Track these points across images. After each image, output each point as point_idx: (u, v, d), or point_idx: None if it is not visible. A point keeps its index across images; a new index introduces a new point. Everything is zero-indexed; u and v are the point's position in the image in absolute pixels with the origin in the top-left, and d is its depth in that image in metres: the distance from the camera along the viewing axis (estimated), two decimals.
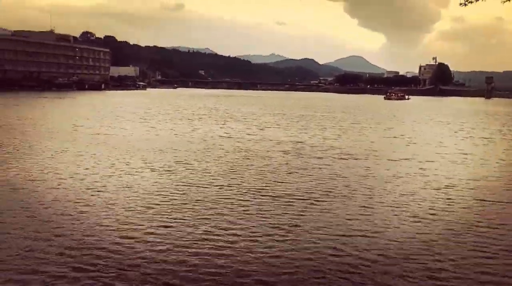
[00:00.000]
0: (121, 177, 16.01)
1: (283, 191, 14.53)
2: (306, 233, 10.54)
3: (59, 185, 14.57)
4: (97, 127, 32.47)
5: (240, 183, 15.55)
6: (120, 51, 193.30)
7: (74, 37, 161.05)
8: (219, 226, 10.84)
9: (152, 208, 12.25)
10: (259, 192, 14.32)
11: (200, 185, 15.02)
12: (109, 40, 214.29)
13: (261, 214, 11.94)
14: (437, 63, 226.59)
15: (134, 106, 60.08)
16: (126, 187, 14.54)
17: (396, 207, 12.93)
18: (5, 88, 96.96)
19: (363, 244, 9.88)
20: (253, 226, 10.89)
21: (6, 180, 15.08)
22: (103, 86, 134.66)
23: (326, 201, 13.41)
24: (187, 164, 18.80)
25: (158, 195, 13.62)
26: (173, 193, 13.86)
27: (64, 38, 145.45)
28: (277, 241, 9.95)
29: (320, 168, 18.62)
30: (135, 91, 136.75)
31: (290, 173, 17.45)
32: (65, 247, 9.28)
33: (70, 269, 8.30)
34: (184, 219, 11.30)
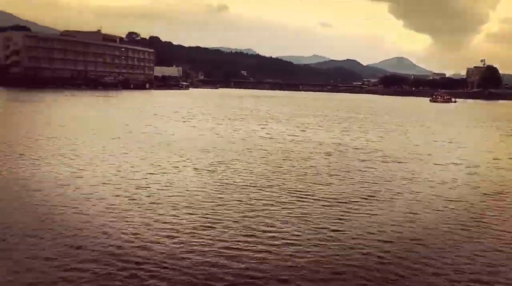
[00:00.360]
0: (164, 175, 16.22)
1: (325, 193, 14.33)
2: (348, 238, 10.33)
3: (104, 182, 14.89)
4: (141, 126, 33.10)
5: (281, 184, 15.46)
6: (164, 51, 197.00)
7: (120, 38, 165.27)
8: (259, 228, 10.78)
9: (194, 207, 12.33)
10: (300, 194, 14.18)
11: (242, 186, 15.02)
12: (154, 41, 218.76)
13: (302, 216, 11.81)
14: (485, 65, 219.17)
15: (176, 106, 60.97)
16: (169, 185, 14.71)
17: (442, 214, 12.51)
18: (54, 86, 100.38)
19: (406, 251, 9.59)
20: (294, 229, 10.78)
21: (55, 176, 15.55)
22: (147, 85, 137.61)
23: (368, 205, 13.13)
24: (229, 163, 18.86)
25: (200, 194, 13.71)
26: (215, 193, 13.91)
27: (110, 38, 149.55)
28: (318, 245, 9.80)
29: (363, 171, 18.29)
30: (178, 91, 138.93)
31: (332, 175, 17.22)
32: (110, 245, 9.44)
33: (114, 268, 8.44)
34: (226, 220, 11.31)
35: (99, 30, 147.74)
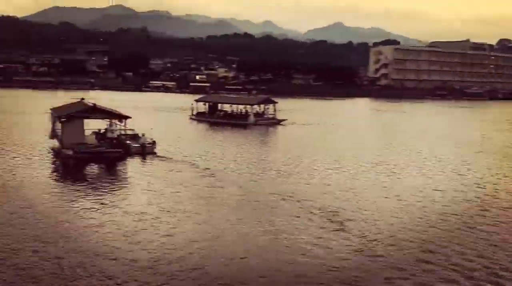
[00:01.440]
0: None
1: None
2: None
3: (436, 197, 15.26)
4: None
5: None
6: None
7: (490, 45, 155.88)
8: None
9: None
10: None
11: None
12: None
13: None
14: None
15: None
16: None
17: None
18: (418, 97, 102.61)
19: None
20: None
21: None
22: None
23: None
24: None
25: None
26: None
27: (479, 47, 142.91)
28: None
29: None
30: None
31: None
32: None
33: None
34: None
35: (468, 39, 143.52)
